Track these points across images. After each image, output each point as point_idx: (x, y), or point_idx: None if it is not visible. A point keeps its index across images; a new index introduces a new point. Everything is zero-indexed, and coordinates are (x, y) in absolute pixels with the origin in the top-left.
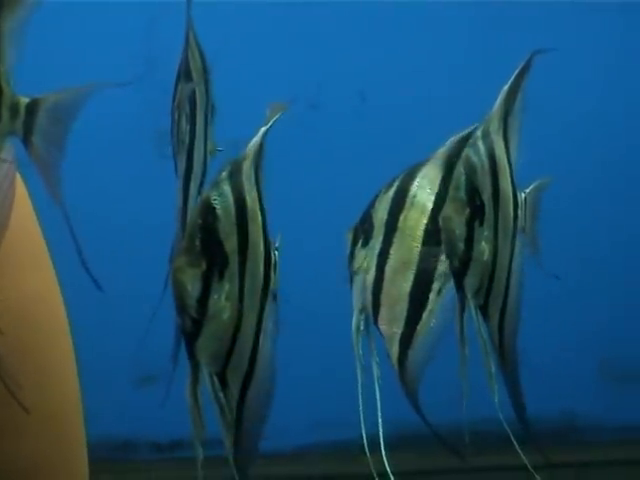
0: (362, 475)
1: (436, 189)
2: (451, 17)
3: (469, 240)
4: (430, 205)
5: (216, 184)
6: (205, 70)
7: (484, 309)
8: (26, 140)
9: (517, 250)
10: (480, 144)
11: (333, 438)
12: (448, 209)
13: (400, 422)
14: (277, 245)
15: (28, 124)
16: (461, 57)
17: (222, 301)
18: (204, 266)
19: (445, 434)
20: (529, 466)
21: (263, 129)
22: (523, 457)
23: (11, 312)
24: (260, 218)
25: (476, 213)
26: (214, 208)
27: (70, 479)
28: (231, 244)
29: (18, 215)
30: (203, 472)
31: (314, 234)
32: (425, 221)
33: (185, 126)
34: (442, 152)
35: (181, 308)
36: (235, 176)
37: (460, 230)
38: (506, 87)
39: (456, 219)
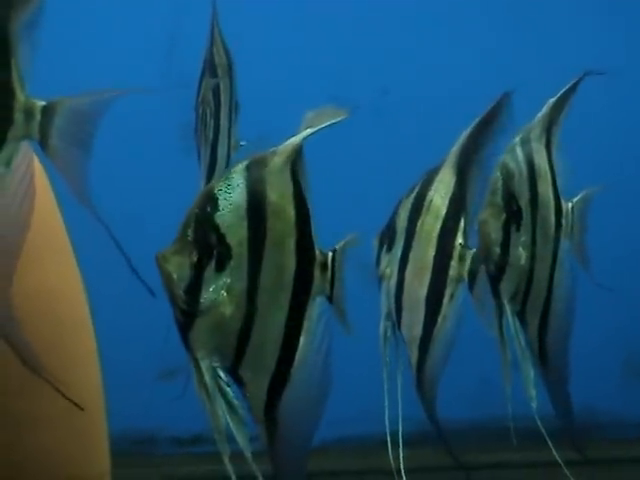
0: (383, 470)
1: (450, 193)
2: (475, 8)
3: (505, 245)
4: (444, 210)
5: (227, 176)
6: (229, 66)
7: (522, 314)
8: (43, 143)
9: (561, 258)
10: (518, 151)
11: (355, 434)
12: (485, 213)
13: (421, 419)
14: (336, 247)
15: (44, 127)
16: (487, 50)
17: (221, 294)
18: (194, 256)
19: (461, 430)
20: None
21: (309, 131)
22: (555, 454)
23: (33, 306)
24: (291, 216)
25: (513, 218)
26: (216, 199)
27: (91, 472)
28: (238, 237)
29: (40, 210)
30: (224, 466)
31: (330, 232)
32: (439, 226)
33: (209, 121)
34: (454, 152)
35: (170, 298)
36: (254, 170)
37: (496, 234)
38: (553, 100)
39: (492, 223)
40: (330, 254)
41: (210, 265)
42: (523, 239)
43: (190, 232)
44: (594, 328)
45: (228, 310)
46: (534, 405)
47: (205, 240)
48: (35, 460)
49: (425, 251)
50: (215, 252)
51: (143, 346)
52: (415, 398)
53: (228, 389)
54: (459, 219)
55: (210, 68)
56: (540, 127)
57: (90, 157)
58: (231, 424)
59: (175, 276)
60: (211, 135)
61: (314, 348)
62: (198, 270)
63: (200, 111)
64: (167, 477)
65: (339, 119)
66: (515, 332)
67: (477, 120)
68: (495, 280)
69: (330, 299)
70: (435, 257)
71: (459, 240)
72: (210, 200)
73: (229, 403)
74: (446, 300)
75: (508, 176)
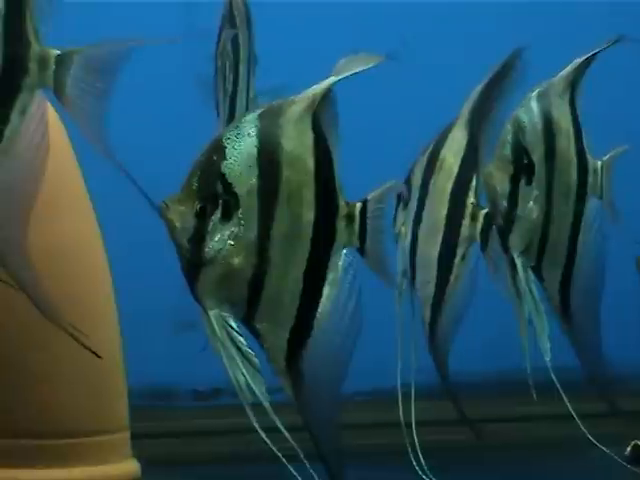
0: (396, 423)
1: (462, 152)
2: None
3: (513, 198)
4: (456, 169)
5: (238, 125)
6: (248, 19)
7: (537, 269)
8: (57, 92)
9: (588, 216)
10: (534, 104)
11: (369, 387)
12: (491, 166)
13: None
14: (368, 198)
15: (59, 76)
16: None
17: (227, 244)
18: (198, 205)
19: (477, 383)
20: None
21: (333, 78)
22: (569, 406)
23: (52, 262)
24: (309, 167)
25: (522, 171)
26: (224, 147)
27: (109, 427)
28: (247, 187)
29: (57, 162)
30: (245, 419)
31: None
32: (451, 184)
33: (228, 74)
34: (466, 109)
35: (176, 247)
36: (268, 119)
37: (503, 187)
38: (580, 59)
39: (498, 176)
40: (358, 205)
41: (215, 214)
42: (536, 193)
43: (195, 181)
44: (614, 279)
45: (236, 260)
46: (548, 358)
47: (210, 189)
48: (50, 414)
49: (438, 210)
50: (221, 201)
51: (161, 300)
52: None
53: (241, 338)
54: (471, 177)
55: (229, 20)
56: (564, 83)
57: (107, 106)
58: (246, 373)
59: (178, 225)
60: (230, 87)
61: (341, 299)
62: (202, 219)
63: (219, 63)
64: (187, 430)
65: (366, 67)
66: (525, 286)
67: (488, 77)
68: (503, 233)
69: (361, 251)
70: (447, 216)
71: (471, 199)
72: (218, 148)
73: (242, 352)
74: (458, 260)
75: (520, 129)
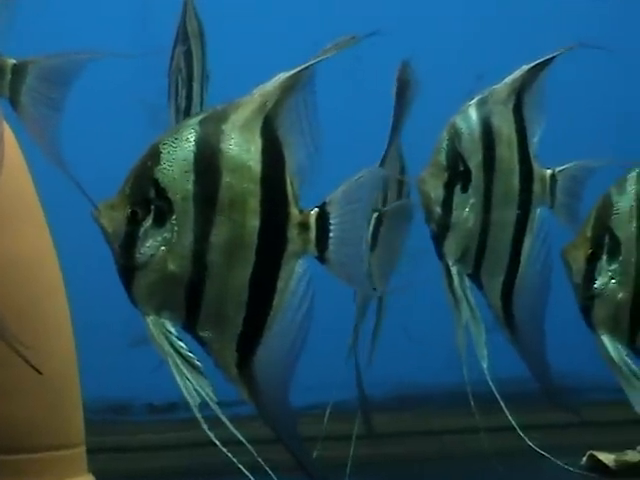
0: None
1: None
2: None
3: (447, 205)
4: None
5: (176, 130)
6: (201, 35)
7: (476, 277)
8: (13, 100)
9: (533, 225)
10: (472, 112)
11: (327, 400)
12: (425, 172)
13: (398, 384)
14: (326, 204)
15: (15, 85)
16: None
17: (160, 250)
18: (128, 210)
19: (433, 394)
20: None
21: (281, 75)
22: (510, 419)
23: (6, 275)
24: (255, 174)
25: (457, 179)
26: (159, 153)
27: (65, 442)
28: (182, 192)
29: (11, 175)
30: (200, 433)
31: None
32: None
33: (181, 90)
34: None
35: (112, 253)
36: (209, 124)
37: (436, 194)
38: (528, 66)
39: (431, 182)
40: (314, 212)
41: (147, 220)
42: (472, 201)
43: (128, 186)
44: (571, 292)
45: (170, 266)
46: (485, 365)
47: (142, 194)
48: (8, 430)
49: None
50: (153, 207)
51: (116, 312)
52: (394, 361)
53: (181, 343)
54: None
55: (182, 37)
56: (508, 90)
57: (61, 117)
58: (190, 377)
59: (109, 230)
60: (183, 103)
61: (292, 307)
62: (133, 224)
63: (172, 79)
64: (143, 445)
65: (315, 62)
66: (461, 293)
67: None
68: (438, 240)
69: (321, 259)
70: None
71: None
72: (153, 154)
73: (184, 357)
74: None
75: (456, 136)
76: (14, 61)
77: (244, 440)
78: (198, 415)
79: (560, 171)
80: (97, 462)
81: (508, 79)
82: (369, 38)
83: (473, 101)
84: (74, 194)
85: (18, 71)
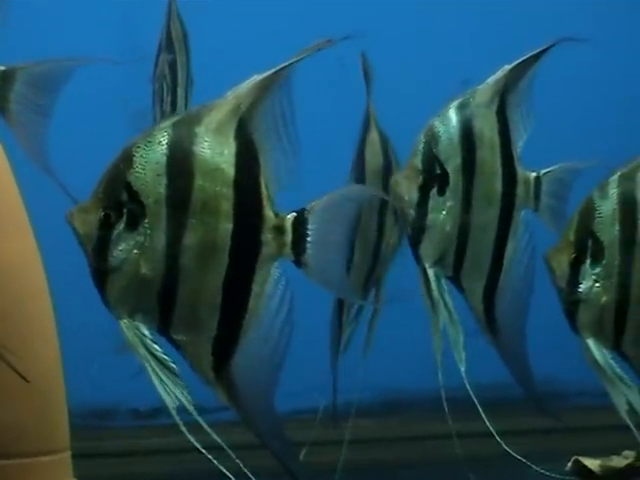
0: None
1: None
2: None
3: (422, 208)
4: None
5: (149, 134)
6: (186, 43)
7: (456, 280)
8: (1, 106)
9: (516, 228)
10: (452, 114)
11: (304, 406)
12: (399, 174)
13: (384, 389)
14: (306, 209)
15: (3, 91)
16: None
17: (132, 253)
18: (101, 213)
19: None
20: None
21: (255, 77)
22: (488, 424)
23: None
24: (228, 177)
25: (433, 181)
26: (132, 156)
27: (52, 445)
28: (154, 196)
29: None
30: (184, 438)
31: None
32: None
33: (166, 97)
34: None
35: (85, 256)
36: (182, 128)
37: (410, 196)
38: (510, 66)
39: (405, 185)
40: (290, 216)
41: (120, 223)
42: (449, 204)
43: (100, 189)
44: (555, 297)
45: (143, 269)
46: (463, 368)
47: (114, 197)
48: None
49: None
50: (125, 210)
51: (101, 318)
52: (380, 367)
53: (155, 346)
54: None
55: (167, 45)
56: (490, 92)
57: (49, 123)
58: (165, 379)
59: (82, 233)
60: (168, 109)
61: (270, 311)
62: (106, 227)
63: (156, 86)
64: (127, 450)
65: (288, 64)
66: (438, 297)
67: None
68: (412, 243)
69: (297, 263)
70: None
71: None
72: (126, 157)
73: (158, 359)
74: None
75: (433, 139)
76: (2, 68)
77: (223, 444)
78: (177, 418)
79: (545, 174)
80: (82, 467)
81: (490, 80)
82: (352, 44)
83: (453, 104)
84: (58, 197)
85: (6, 77)
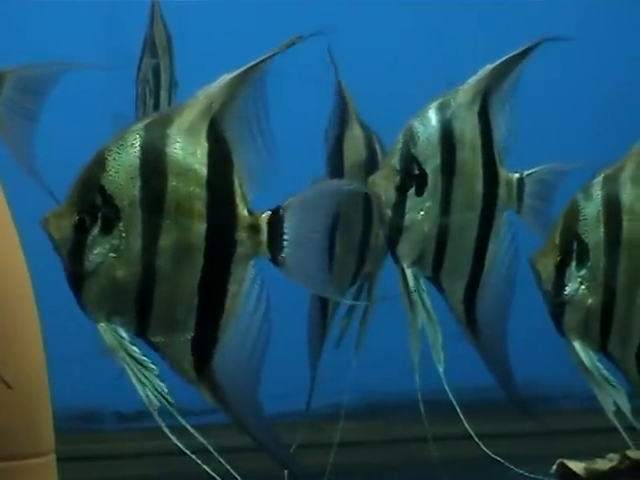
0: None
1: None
2: None
3: (399, 208)
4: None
5: (121, 136)
6: (170, 46)
7: (436, 280)
8: None
9: (498, 229)
10: (432, 115)
11: (288, 409)
12: (376, 174)
13: (368, 392)
14: (281, 207)
15: None
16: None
17: (108, 256)
18: (75, 218)
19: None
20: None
21: (226, 76)
22: (468, 426)
23: None
24: (201, 177)
25: (411, 182)
26: (105, 160)
27: (35, 450)
28: (128, 199)
29: None
30: (169, 441)
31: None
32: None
33: (149, 100)
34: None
35: (61, 261)
36: (153, 129)
37: (388, 197)
38: (492, 65)
39: (383, 184)
40: (265, 215)
41: (95, 227)
42: (428, 204)
43: (74, 194)
44: (540, 299)
45: (119, 273)
46: (441, 369)
47: (88, 202)
48: None
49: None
50: (100, 214)
51: (85, 321)
52: (362, 370)
53: (134, 347)
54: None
55: (150, 49)
56: (472, 93)
57: (36, 127)
58: (145, 382)
59: (57, 238)
60: (151, 112)
61: (248, 310)
62: (81, 232)
63: (139, 90)
64: (112, 453)
65: (258, 61)
66: (416, 297)
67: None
68: (390, 243)
69: (274, 261)
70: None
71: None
72: (99, 161)
73: (137, 361)
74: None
75: (411, 139)
76: None
77: (208, 445)
78: (158, 418)
79: (528, 175)
80: (66, 471)
81: (471, 80)
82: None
83: (433, 104)
84: (42, 199)
85: None
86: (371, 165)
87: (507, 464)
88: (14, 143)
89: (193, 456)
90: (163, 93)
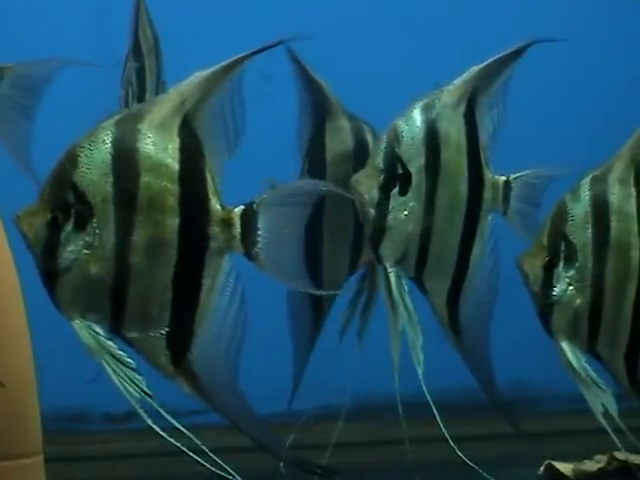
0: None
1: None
2: None
3: (382, 207)
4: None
5: (92, 133)
6: (157, 48)
7: (419, 281)
8: None
9: (483, 231)
10: (417, 115)
11: (281, 409)
12: (360, 173)
13: (358, 393)
14: (254, 202)
15: None
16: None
17: (82, 253)
18: (48, 216)
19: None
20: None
21: (198, 74)
22: (444, 429)
23: None
24: (173, 172)
25: (394, 181)
26: (77, 156)
27: (22, 451)
28: (101, 195)
29: None
30: (158, 442)
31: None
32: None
33: (132, 102)
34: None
35: (34, 259)
36: (124, 125)
37: (371, 196)
38: (479, 67)
39: (366, 184)
40: (238, 209)
41: (68, 224)
42: (411, 204)
43: (46, 191)
44: (528, 301)
45: (93, 269)
46: (420, 370)
47: (61, 199)
48: None
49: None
50: (73, 211)
51: None
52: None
53: (110, 343)
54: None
55: (135, 51)
56: (458, 94)
57: (33, 125)
58: (124, 377)
59: (30, 236)
60: None
61: (222, 304)
62: (54, 229)
63: (123, 92)
64: (101, 454)
65: (234, 60)
66: (398, 297)
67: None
68: (372, 242)
69: (248, 256)
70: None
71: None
72: (70, 158)
73: (115, 356)
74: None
75: (395, 139)
76: None
77: (199, 442)
78: (140, 411)
79: (515, 178)
80: (54, 472)
81: (457, 81)
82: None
83: (418, 104)
84: (31, 194)
85: None
86: (359, 157)
87: (474, 466)
88: (11, 141)
89: (191, 453)
90: (149, 94)
